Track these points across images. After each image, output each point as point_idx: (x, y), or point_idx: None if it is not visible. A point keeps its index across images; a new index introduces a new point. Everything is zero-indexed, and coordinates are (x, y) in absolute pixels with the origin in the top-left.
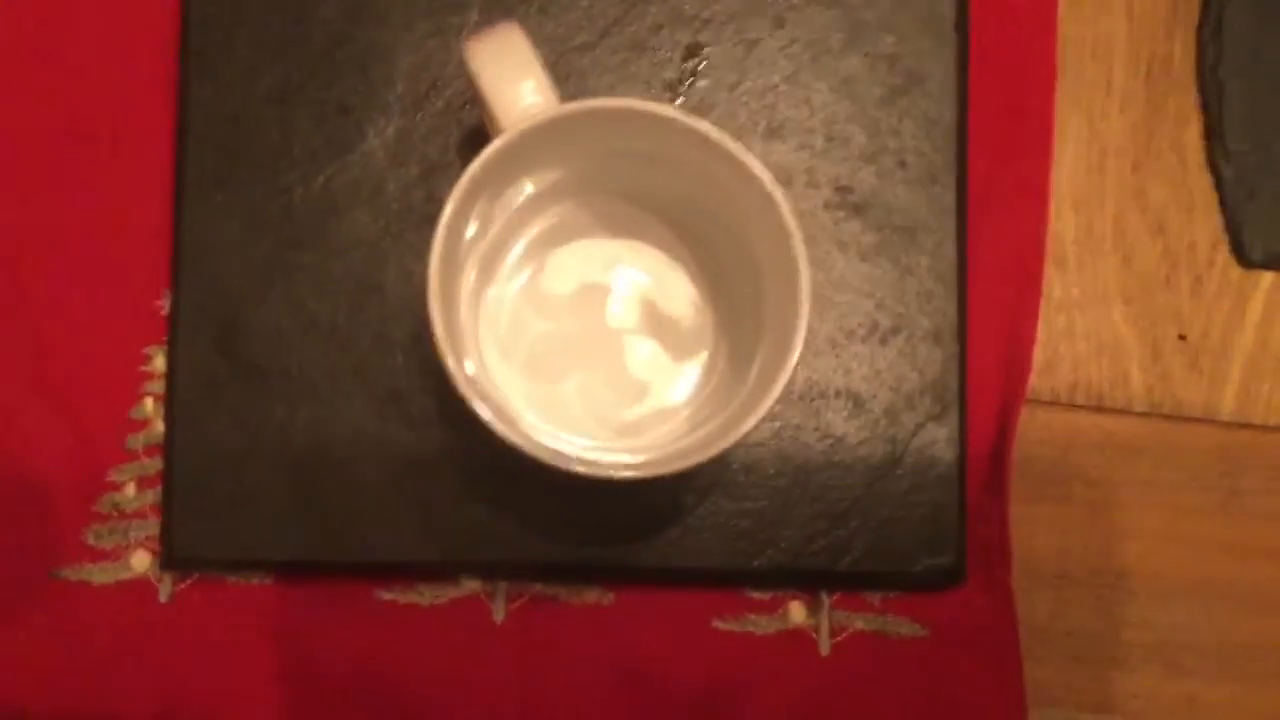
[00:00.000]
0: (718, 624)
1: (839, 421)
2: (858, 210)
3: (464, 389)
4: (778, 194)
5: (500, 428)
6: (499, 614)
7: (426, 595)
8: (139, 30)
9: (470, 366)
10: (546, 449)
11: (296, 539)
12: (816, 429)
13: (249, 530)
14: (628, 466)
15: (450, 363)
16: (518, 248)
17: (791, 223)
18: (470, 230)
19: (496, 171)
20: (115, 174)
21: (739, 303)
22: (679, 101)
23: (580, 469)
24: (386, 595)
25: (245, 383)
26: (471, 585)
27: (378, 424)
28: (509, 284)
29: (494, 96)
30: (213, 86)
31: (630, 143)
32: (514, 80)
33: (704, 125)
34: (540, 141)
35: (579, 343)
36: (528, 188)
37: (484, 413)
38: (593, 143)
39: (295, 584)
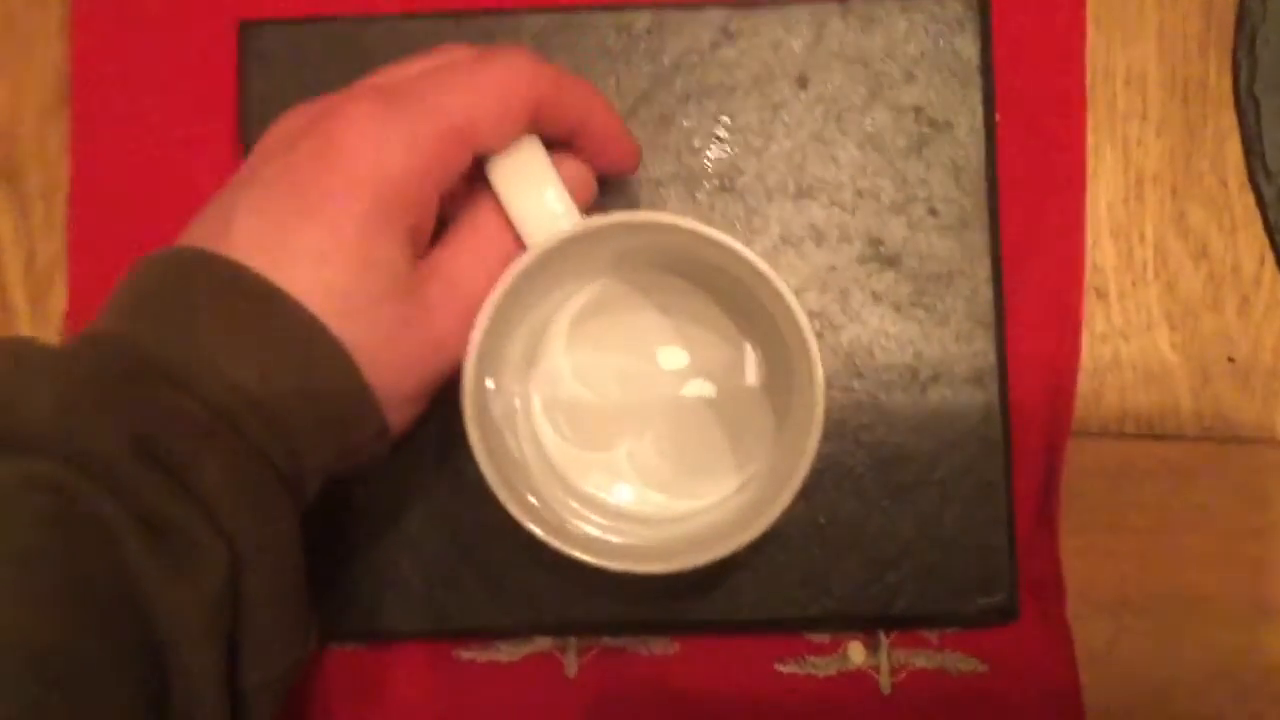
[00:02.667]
0: (779, 667)
1: (884, 470)
2: (891, 262)
3: (541, 534)
4: (783, 289)
5: (570, 551)
6: (571, 668)
7: (504, 652)
8: (199, 132)
9: (534, 500)
10: (614, 563)
11: (381, 611)
12: (862, 477)
13: (339, 604)
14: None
15: (516, 512)
16: (560, 326)
17: (801, 318)
18: (507, 341)
19: (524, 284)
20: None
21: (775, 366)
22: (709, 167)
23: (656, 569)
24: (466, 654)
25: None
26: (544, 642)
27: (447, 502)
28: (555, 360)
29: (517, 213)
30: None
31: (653, 239)
32: (536, 197)
33: (709, 231)
34: (566, 248)
35: (625, 411)
36: (561, 283)
37: (559, 545)
38: (618, 242)
39: (384, 647)
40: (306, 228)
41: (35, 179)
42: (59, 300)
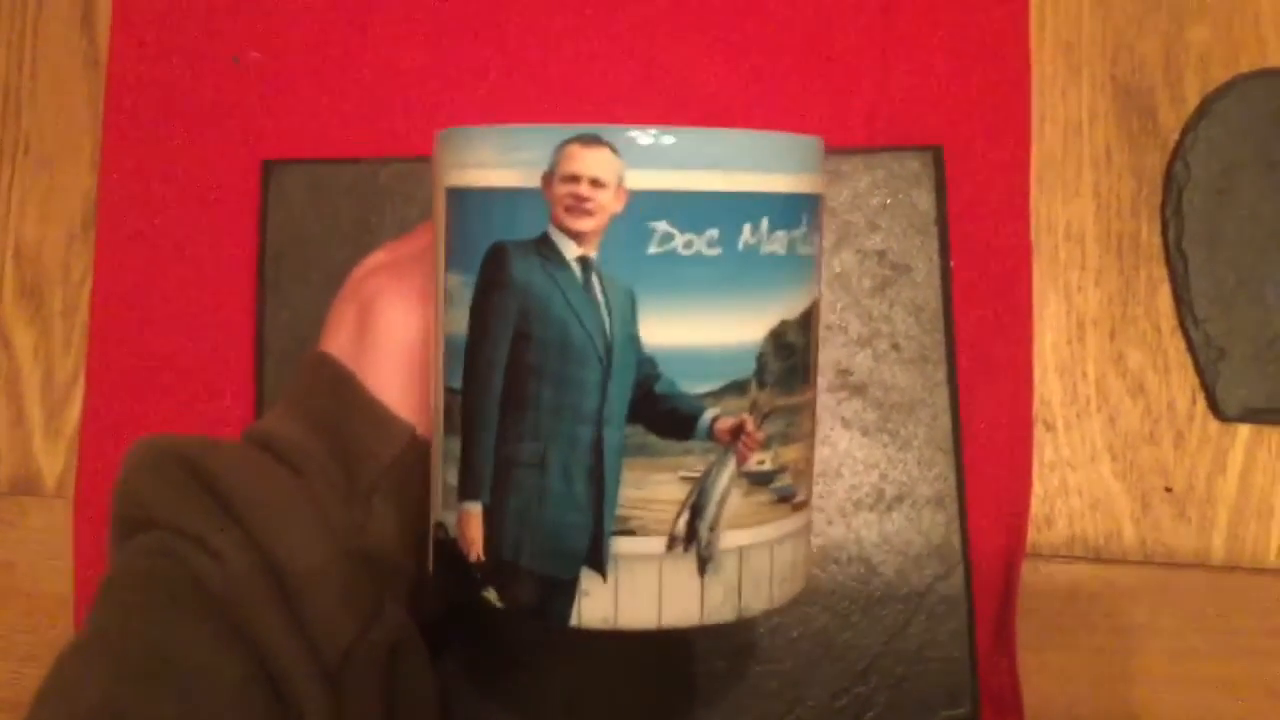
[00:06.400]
0: None
1: (853, 585)
2: (858, 390)
3: None
4: None
5: None
6: None
7: None
8: (218, 261)
9: None
10: None
11: None
12: (833, 592)
13: None
14: None
15: None
16: None
17: None
18: None
19: None
20: (200, 401)
21: None
22: None
23: None
24: None
25: None
26: None
27: None
28: None
29: None
30: (287, 313)
31: None
32: None
33: None
34: None
35: None
36: None
37: None
38: None
39: None
40: None
41: (58, 300)
42: (74, 415)
